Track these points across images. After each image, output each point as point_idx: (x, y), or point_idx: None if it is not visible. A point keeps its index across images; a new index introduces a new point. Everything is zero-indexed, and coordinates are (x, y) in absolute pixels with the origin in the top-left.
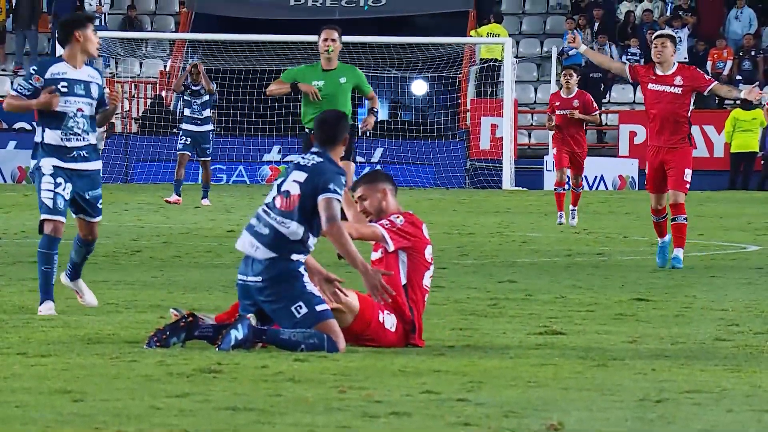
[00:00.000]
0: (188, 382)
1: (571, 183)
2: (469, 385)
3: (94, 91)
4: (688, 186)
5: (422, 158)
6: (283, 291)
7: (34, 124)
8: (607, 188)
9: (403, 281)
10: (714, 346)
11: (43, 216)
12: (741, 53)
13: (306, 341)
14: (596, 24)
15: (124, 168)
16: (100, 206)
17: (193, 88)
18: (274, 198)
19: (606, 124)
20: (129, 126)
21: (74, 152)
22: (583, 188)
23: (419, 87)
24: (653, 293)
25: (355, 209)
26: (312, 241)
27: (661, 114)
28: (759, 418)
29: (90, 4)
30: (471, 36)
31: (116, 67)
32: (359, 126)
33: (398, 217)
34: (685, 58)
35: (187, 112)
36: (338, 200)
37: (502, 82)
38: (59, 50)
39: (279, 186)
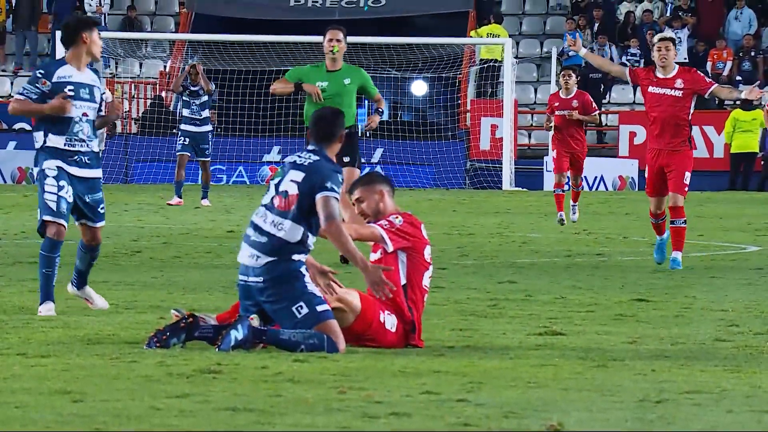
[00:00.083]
0: (188, 383)
1: (570, 183)
2: (469, 385)
3: (97, 95)
4: (687, 189)
5: (422, 159)
6: (284, 291)
7: (33, 128)
8: (607, 189)
9: (403, 281)
10: (714, 347)
11: (47, 218)
12: (741, 54)
13: (306, 342)
14: (596, 24)
15: (124, 168)
16: (102, 211)
17: (192, 88)
18: (272, 199)
19: (606, 124)
20: (129, 126)
21: (77, 156)
22: (582, 188)
23: (419, 87)
24: (653, 294)
25: (353, 210)
26: (311, 240)
27: (661, 117)
28: (759, 418)
29: (90, 5)
30: (471, 36)
31: (116, 67)
32: (362, 124)
33: (397, 217)
34: (685, 59)
35: (185, 112)
36: (336, 198)
37: (502, 82)
38: (59, 51)
39: (277, 186)
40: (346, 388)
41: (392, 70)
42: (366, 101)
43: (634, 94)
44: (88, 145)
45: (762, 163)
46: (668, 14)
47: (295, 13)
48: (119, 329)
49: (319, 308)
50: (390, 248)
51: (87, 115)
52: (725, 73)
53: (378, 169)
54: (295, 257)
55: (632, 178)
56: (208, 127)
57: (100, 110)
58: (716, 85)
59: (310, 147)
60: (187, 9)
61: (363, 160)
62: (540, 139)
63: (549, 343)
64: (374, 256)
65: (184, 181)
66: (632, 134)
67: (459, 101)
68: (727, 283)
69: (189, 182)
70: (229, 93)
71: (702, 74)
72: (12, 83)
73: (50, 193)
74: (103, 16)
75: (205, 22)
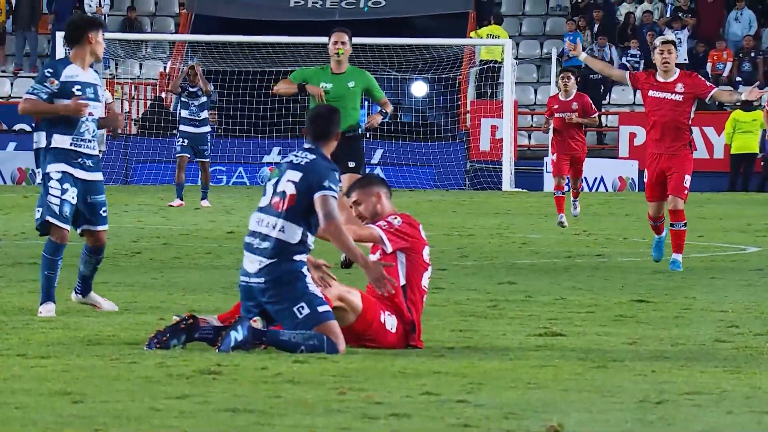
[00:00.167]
0: (188, 384)
1: (570, 185)
2: (469, 386)
3: (101, 95)
4: (687, 192)
5: (422, 160)
6: (285, 292)
7: (34, 128)
8: (606, 190)
9: (402, 282)
10: (714, 348)
11: (51, 220)
12: (741, 54)
13: (306, 342)
14: (596, 25)
15: (124, 169)
16: (105, 214)
17: (190, 89)
18: (269, 200)
19: (606, 125)
20: (129, 127)
21: (81, 158)
22: (582, 189)
23: (419, 88)
24: (653, 295)
25: (349, 212)
26: (311, 239)
27: (661, 121)
28: (759, 419)
29: (90, 5)
30: (471, 37)
31: (116, 68)
32: (363, 123)
33: (395, 218)
34: (685, 60)
35: (184, 113)
36: (334, 197)
37: (502, 83)
38: (59, 51)
39: (275, 186)
40: (346, 389)
41: (392, 71)
42: (366, 101)
43: (634, 95)
44: (93, 147)
45: (762, 164)
46: (668, 15)
47: (295, 14)
48: (119, 330)
49: (320, 309)
50: (389, 249)
51: (92, 114)
52: (725, 74)
53: (378, 170)
54: (297, 258)
55: (632, 179)
56: (207, 128)
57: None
58: (717, 88)
59: (306, 145)
60: (186, 10)
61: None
62: (540, 140)
63: (549, 344)
64: (373, 258)
65: (184, 183)
66: (632, 135)
67: (459, 102)
68: (727, 284)
69: (189, 183)
70: (229, 94)
71: (702, 78)
72: (12, 84)
73: (54, 196)
74: (103, 16)
75: (205, 23)
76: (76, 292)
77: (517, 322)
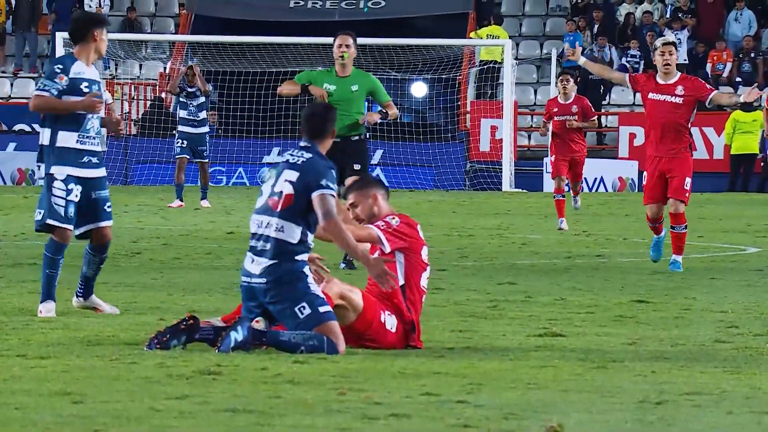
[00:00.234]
0: (188, 384)
1: (570, 188)
2: (468, 386)
3: (103, 91)
4: (688, 195)
5: (422, 160)
6: (287, 292)
7: (40, 123)
8: (606, 190)
9: (401, 282)
10: (714, 348)
11: (54, 222)
12: (741, 55)
13: (306, 343)
14: (596, 26)
15: (124, 170)
16: (109, 210)
17: (189, 89)
18: (267, 201)
19: (606, 126)
20: (129, 128)
21: (86, 157)
22: (582, 189)
23: (419, 89)
24: (653, 295)
25: (346, 214)
26: (311, 238)
27: (661, 123)
28: (759, 420)
29: (90, 6)
30: (471, 38)
31: (116, 68)
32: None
33: (393, 218)
34: (685, 60)
35: (182, 113)
36: (332, 195)
37: (502, 83)
38: (59, 51)
39: (272, 187)
40: (345, 389)
41: (392, 72)
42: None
43: (634, 95)
44: (97, 144)
45: (762, 164)
46: (668, 16)
47: (295, 15)
48: (119, 331)
49: (322, 309)
50: (387, 249)
51: (98, 110)
52: (725, 74)
53: (378, 170)
54: (298, 258)
55: (632, 179)
56: (206, 128)
57: None
58: (716, 91)
59: (302, 143)
60: (186, 10)
61: None
62: (540, 140)
63: (549, 344)
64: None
65: (184, 184)
66: (632, 135)
67: (459, 103)
68: (726, 285)
69: (188, 184)
70: (229, 94)
71: (703, 81)
72: (12, 84)
73: (58, 197)
74: None
75: (205, 24)
76: (77, 296)
77: (517, 323)
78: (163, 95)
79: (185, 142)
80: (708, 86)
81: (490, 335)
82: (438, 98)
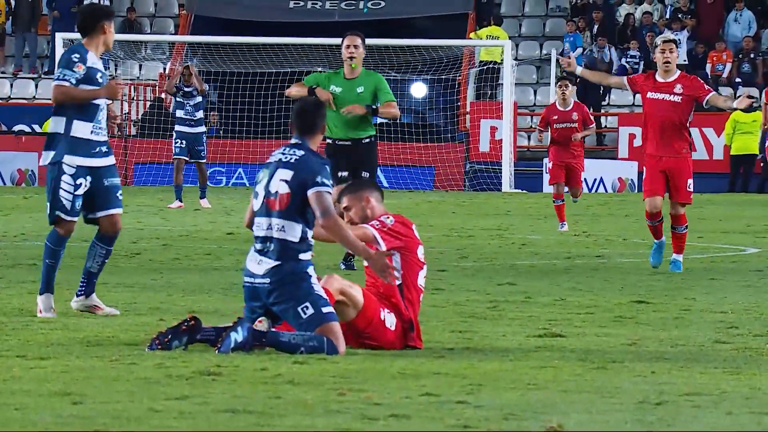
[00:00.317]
0: (187, 385)
1: (570, 194)
2: (468, 387)
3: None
4: (692, 196)
5: (422, 160)
6: (291, 292)
7: (53, 112)
8: (606, 191)
9: (398, 281)
10: (713, 349)
11: (60, 214)
12: (740, 56)
13: (306, 344)
14: (596, 26)
15: (124, 170)
16: (120, 197)
17: (185, 89)
18: (263, 202)
19: (605, 126)
20: (128, 128)
21: (98, 147)
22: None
23: (419, 89)
24: (653, 296)
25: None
26: (311, 234)
27: (660, 122)
28: (758, 420)
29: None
30: (470, 38)
31: (116, 69)
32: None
33: (388, 217)
34: (685, 61)
35: (180, 113)
36: (329, 192)
37: (502, 84)
38: (59, 51)
39: (266, 187)
40: (345, 389)
41: (392, 73)
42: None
43: (634, 96)
44: (105, 133)
45: (762, 165)
46: (668, 16)
47: (294, 15)
48: (119, 331)
49: (324, 310)
50: (383, 248)
51: (105, 102)
52: (725, 75)
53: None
54: (302, 257)
55: (632, 180)
56: (203, 128)
57: None
58: (713, 93)
59: (293, 141)
60: (186, 11)
61: None
62: (540, 141)
63: (549, 344)
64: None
65: (182, 185)
66: (632, 136)
67: (458, 103)
68: (726, 285)
69: (188, 184)
70: (229, 95)
71: (702, 81)
72: (11, 85)
73: (66, 191)
74: None
75: (205, 24)
76: (77, 295)
77: (517, 323)
78: (163, 96)
79: (183, 142)
80: (706, 87)
81: (489, 336)
82: (438, 99)
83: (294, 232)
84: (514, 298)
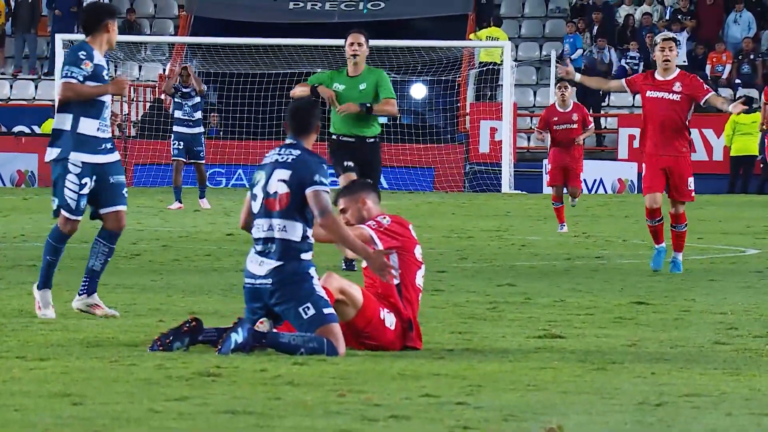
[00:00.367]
0: (187, 386)
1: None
2: (468, 388)
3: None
4: (693, 194)
5: (421, 162)
6: (292, 292)
7: (58, 109)
8: (606, 192)
9: (396, 281)
10: (713, 350)
11: (65, 214)
12: (740, 57)
13: (306, 345)
14: (595, 27)
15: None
16: (125, 194)
17: (183, 90)
18: (262, 204)
19: (605, 127)
20: (128, 129)
21: (103, 144)
22: (581, 191)
23: (418, 90)
24: (652, 297)
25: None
26: (310, 233)
27: (660, 120)
28: (758, 421)
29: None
30: (470, 39)
31: (116, 70)
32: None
33: (384, 218)
34: (684, 62)
35: (178, 114)
36: (326, 191)
37: (502, 85)
38: (58, 53)
39: (264, 189)
40: (345, 391)
41: (391, 74)
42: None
43: (633, 97)
44: (109, 130)
45: (761, 166)
46: (667, 17)
47: (294, 16)
48: (118, 332)
49: (326, 311)
50: (380, 248)
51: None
52: (724, 76)
53: None
54: (304, 257)
55: (631, 181)
56: (201, 129)
57: None
58: (712, 93)
59: (287, 141)
60: (186, 12)
61: None
62: (539, 142)
63: (548, 346)
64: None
65: (182, 186)
66: (631, 137)
67: (458, 104)
68: (726, 286)
69: (187, 186)
70: (228, 96)
71: (701, 81)
72: (11, 86)
73: (72, 191)
74: None
75: (205, 25)
76: (79, 294)
77: (517, 324)
78: (163, 97)
79: (181, 143)
80: (705, 87)
81: (489, 337)
82: (437, 100)
83: (295, 231)
84: (514, 299)
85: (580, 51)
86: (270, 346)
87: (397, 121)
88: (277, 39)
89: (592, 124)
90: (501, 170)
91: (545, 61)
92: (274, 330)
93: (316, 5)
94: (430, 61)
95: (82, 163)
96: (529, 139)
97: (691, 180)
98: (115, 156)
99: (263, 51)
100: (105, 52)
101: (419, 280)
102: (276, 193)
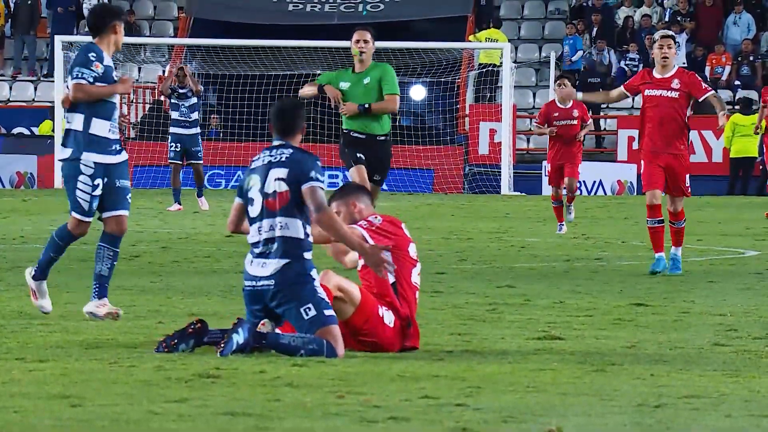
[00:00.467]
0: (187, 387)
1: (566, 190)
2: (467, 390)
3: None
4: (690, 190)
5: (421, 163)
6: (294, 292)
7: (68, 108)
8: (605, 193)
9: (391, 280)
10: (712, 352)
11: (76, 216)
12: (739, 58)
13: (306, 347)
14: (595, 29)
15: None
16: (129, 199)
17: (180, 90)
18: (261, 206)
19: (605, 129)
20: (128, 131)
21: (113, 145)
22: (580, 193)
23: (418, 92)
24: (652, 298)
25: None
26: (309, 230)
27: (659, 118)
28: (758, 423)
29: (88, 9)
30: (469, 41)
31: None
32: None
33: (376, 217)
34: (684, 64)
35: (174, 115)
36: (322, 188)
37: (501, 87)
38: (58, 54)
39: (262, 190)
40: (344, 392)
41: None
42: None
43: (633, 98)
44: (117, 131)
45: (761, 167)
46: (667, 19)
47: (293, 18)
48: (118, 334)
49: (326, 312)
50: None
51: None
52: (724, 77)
53: None
54: (306, 255)
55: (631, 182)
56: (198, 129)
57: None
58: (712, 92)
59: (276, 142)
60: (186, 13)
61: None
62: (539, 143)
63: (548, 347)
64: (360, 262)
65: (180, 187)
66: (631, 139)
67: (458, 106)
68: (725, 288)
69: (186, 187)
70: (228, 97)
71: (700, 78)
72: (11, 88)
73: (84, 192)
74: None
75: (204, 27)
76: (92, 300)
77: (516, 326)
78: (162, 98)
79: (178, 145)
80: (704, 86)
81: (488, 338)
82: (437, 101)
83: (297, 228)
84: (513, 300)
85: (580, 53)
86: (270, 346)
87: (397, 123)
88: (277, 41)
89: (590, 120)
90: (500, 172)
91: (545, 62)
92: (276, 331)
93: (316, 7)
94: (429, 63)
95: (95, 163)
96: (528, 140)
97: (687, 177)
98: (123, 156)
99: (263, 53)
100: (112, 53)
101: (415, 278)
102: (275, 192)
